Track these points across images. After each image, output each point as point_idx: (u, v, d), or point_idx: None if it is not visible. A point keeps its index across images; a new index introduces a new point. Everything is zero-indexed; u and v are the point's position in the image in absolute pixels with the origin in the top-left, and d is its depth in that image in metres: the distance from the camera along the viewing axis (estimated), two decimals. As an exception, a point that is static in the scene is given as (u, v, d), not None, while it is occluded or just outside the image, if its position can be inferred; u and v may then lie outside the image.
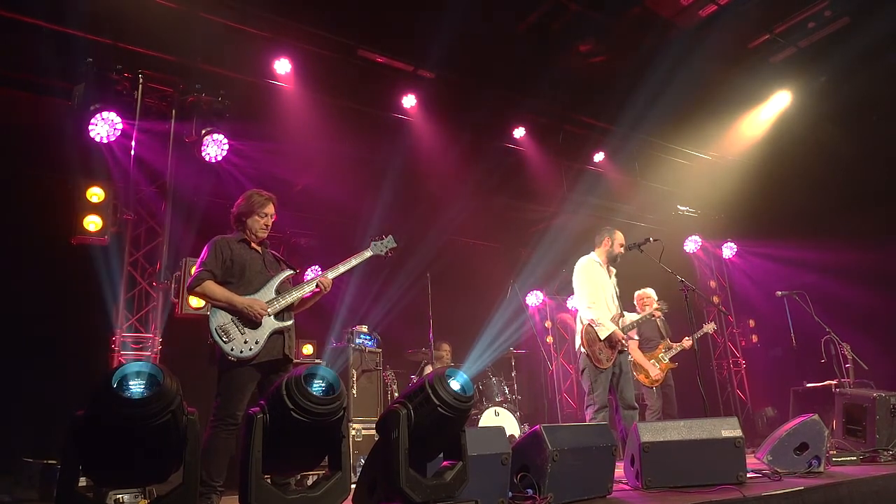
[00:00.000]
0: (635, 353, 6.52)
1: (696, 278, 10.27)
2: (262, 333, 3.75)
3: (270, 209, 4.09)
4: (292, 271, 4.08)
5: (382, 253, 4.42)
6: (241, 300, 3.73)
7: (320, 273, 4.13)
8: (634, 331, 5.85)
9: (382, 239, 4.45)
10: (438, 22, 6.25)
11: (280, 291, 3.92)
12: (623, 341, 5.07)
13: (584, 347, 5.08)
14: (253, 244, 4.02)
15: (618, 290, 5.38)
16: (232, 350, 3.63)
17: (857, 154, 8.23)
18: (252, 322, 3.73)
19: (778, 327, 8.17)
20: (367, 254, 4.36)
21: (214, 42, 5.93)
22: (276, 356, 3.79)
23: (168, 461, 2.33)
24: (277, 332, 3.81)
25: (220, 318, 3.70)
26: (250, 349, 3.67)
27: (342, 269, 4.15)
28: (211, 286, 3.74)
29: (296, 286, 4.00)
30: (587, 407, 4.97)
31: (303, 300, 4.02)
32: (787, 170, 8.76)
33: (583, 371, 5.07)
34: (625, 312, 5.31)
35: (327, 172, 7.47)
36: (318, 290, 3.99)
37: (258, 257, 4.00)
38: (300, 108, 6.68)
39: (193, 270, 3.82)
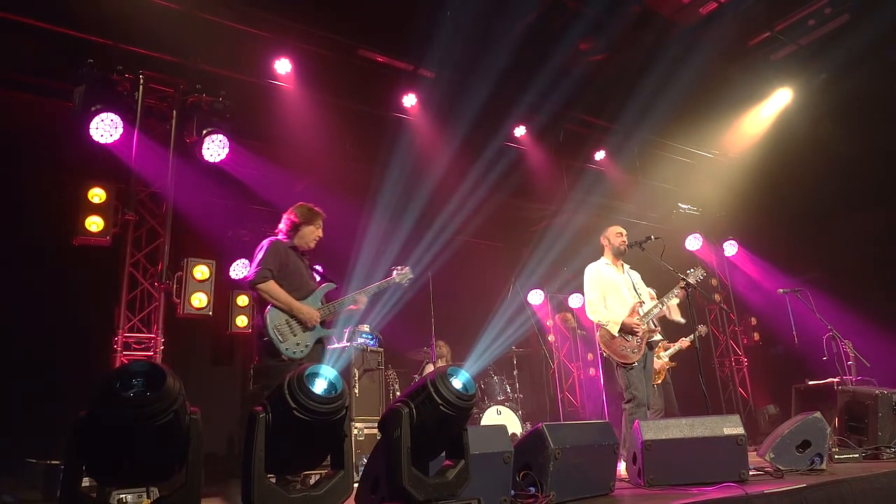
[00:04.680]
0: None
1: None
2: (311, 338, 4.03)
3: (322, 223, 4.38)
4: (334, 285, 4.33)
5: (404, 283, 4.71)
6: (300, 305, 4.01)
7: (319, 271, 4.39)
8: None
9: (402, 269, 4.71)
10: (438, 21, 6.26)
11: (323, 302, 4.20)
12: (637, 326, 4.98)
13: (605, 351, 5.08)
14: (300, 252, 4.27)
15: (635, 281, 5.36)
16: (286, 350, 3.88)
17: (857, 151, 8.22)
18: (304, 326, 4.00)
19: (779, 325, 8.17)
20: (395, 281, 4.64)
21: (215, 42, 5.93)
22: (315, 361, 3.98)
23: (171, 461, 2.33)
24: (319, 341, 4.10)
25: (277, 319, 3.94)
26: (301, 351, 3.96)
27: (374, 290, 4.49)
28: (273, 286, 3.97)
29: (334, 300, 4.27)
30: (625, 402, 4.96)
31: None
32: (788, 167, 8.75)
33: (617, 372, 5.08)
34: (644, 301, 5.25)
35: (328, 172, 7.47)
36: (355, 307, 4.35)
37: (304, 266, 4.24)
38: (301, 108, 6.68)
39: (252, 267, 4.07)
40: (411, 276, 4.74)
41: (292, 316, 3.98)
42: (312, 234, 4.31)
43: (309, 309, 4.04)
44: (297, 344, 3.95)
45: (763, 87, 8.61)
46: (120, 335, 5.74)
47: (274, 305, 3.96)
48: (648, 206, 9.74)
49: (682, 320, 5.78)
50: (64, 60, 5.39)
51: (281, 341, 3.89)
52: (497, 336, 8.25)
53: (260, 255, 4.09)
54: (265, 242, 4.18)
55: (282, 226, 4.34)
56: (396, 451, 2.46)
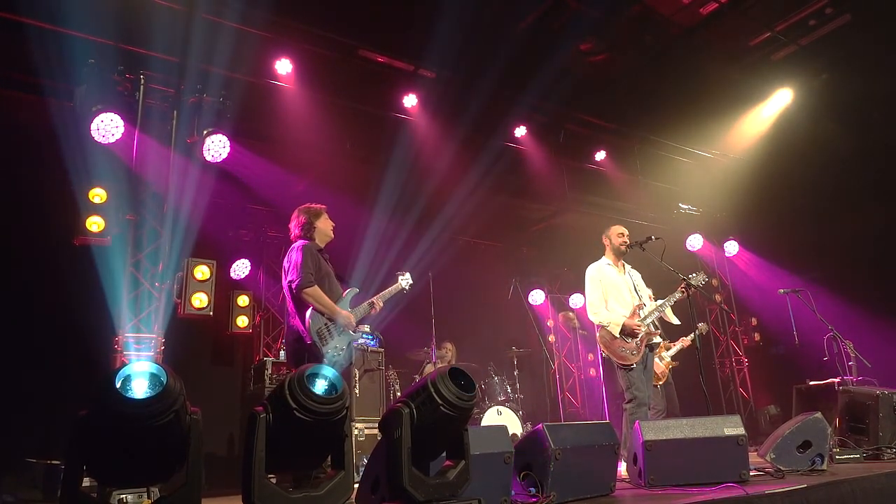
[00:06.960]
0: None
1: (698, 277, 10.24)
2: (345, 342, 4.13)
3: (327, 213, 4.47)
4: (357, 290, 4.41)
5: (407, 288, 4.79)
6: (340, 310, 4.13)
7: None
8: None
9: (404, 274, 4.81)
10: (439, 21, 6.25)
11: (351, 306, 4.28)
12: (638, 328, 4.99)
13: (604, 352, 5.08)
14: (325, 253, 4.32)
15: (636, 281, 5.36)
16: (328, 353, 3.98)
17: (857, 151, 8.22)
18: (340, 330, 4.10)
19: (780, 325, 8.16)
20: (402, 287, 4.72)
21: (216, 43, 5.93)
22: (347, 364, 4.17)
23: (171, 461, 2.33)
24: (349, 343, 4.20)
25: (318, 322, 4.03)
26: (338, 354, 4.07)
27: (387, 296, 4.58)
28: (318, 290, 4.06)
29: (356, 305, 4.34)
30: (625, 403, 4.95)
31: None
32: (789, 167, 8.75)
33: (617, 373, 5.08)
34: (645, 303, 5.25)
35: (328, 172, 7.47)
36: (374, 311, 4.43)
37: (331, 268, 4.28)
38: (301, 108, 6.69)
39: (292, 272, 4.10)
40: (412, 281, 4.85)
41: (331, 320, 4.07)
42: (328, 225, 4.41)
43: (347, 313, 4.16)
44: (336, 347, 4.04)
45: (763, 87, 8.60)
46: (120, 335, 5.74)
47: (315, 309, 4.02)
48: (649, 206, 9.73)
49: (678, 321, 5.79)
50: (65, 61, 5.39)
51: (322, 345, 3.98)
52: (497, 336, 8.23)
53: (297, 260, 4.11)
54: (297, 247, 4.21)
55: (298, 231, 4.37)
56: (397, 451, 2.46)
